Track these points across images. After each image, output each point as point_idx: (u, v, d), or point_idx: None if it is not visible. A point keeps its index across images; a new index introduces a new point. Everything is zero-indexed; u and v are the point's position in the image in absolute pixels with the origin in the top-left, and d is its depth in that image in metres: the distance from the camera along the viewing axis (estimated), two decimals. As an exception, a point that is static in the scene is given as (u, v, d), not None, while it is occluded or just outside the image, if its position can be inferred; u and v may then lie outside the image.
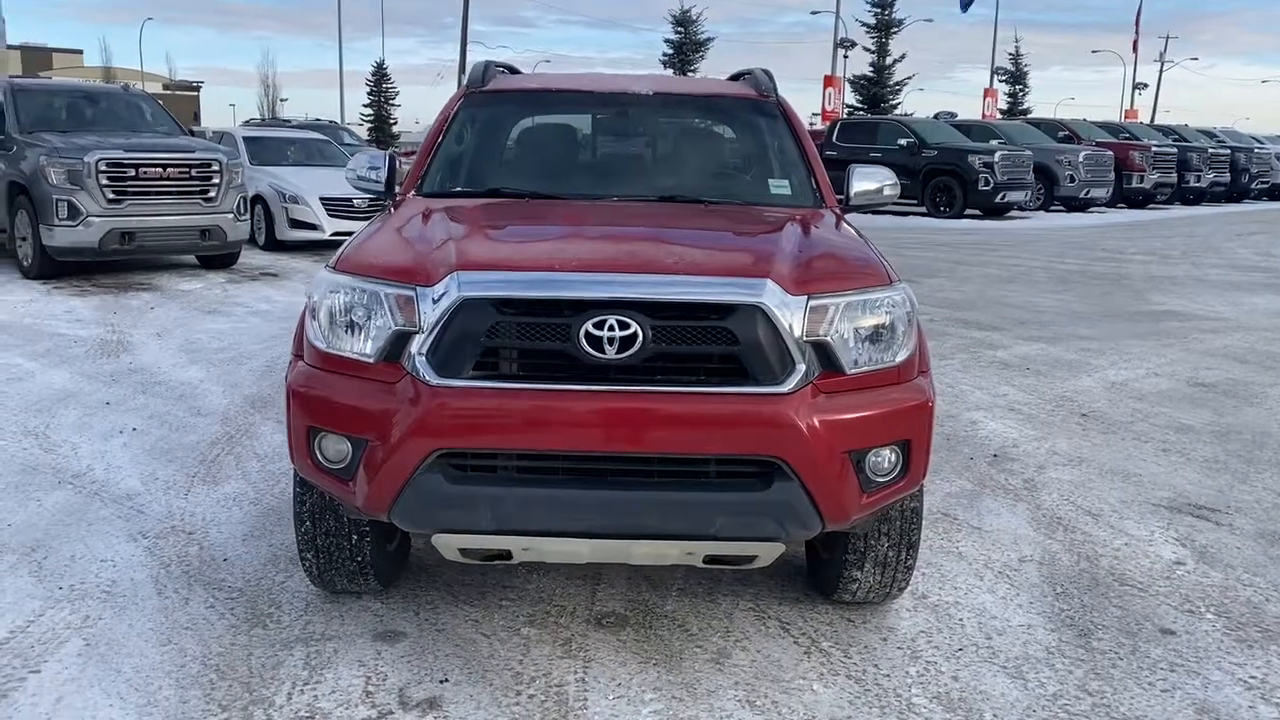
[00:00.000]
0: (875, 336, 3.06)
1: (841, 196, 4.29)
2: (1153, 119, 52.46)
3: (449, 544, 3.05)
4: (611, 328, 2.82)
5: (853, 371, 2.99)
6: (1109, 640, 3.47)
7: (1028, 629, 3.53)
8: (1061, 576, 3.97)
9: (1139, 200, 26.96)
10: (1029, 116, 43.46)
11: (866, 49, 48.96)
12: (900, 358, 3.09)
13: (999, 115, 46.67)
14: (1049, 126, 28.21)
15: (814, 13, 48.05)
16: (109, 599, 3.59)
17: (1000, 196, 21.79)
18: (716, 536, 2.94)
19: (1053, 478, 5.13)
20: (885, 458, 3.06)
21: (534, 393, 2.85)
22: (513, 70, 5.37)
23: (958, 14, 45.64)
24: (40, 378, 6.68)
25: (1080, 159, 24.26)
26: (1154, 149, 27.05)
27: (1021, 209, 23.27)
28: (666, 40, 48.34)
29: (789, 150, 4.39)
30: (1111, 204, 25.78)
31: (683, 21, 47.88)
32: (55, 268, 10.64)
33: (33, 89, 11.91)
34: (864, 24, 49.09)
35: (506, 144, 4.56)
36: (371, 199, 13.19)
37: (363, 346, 3.00)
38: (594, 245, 3.37)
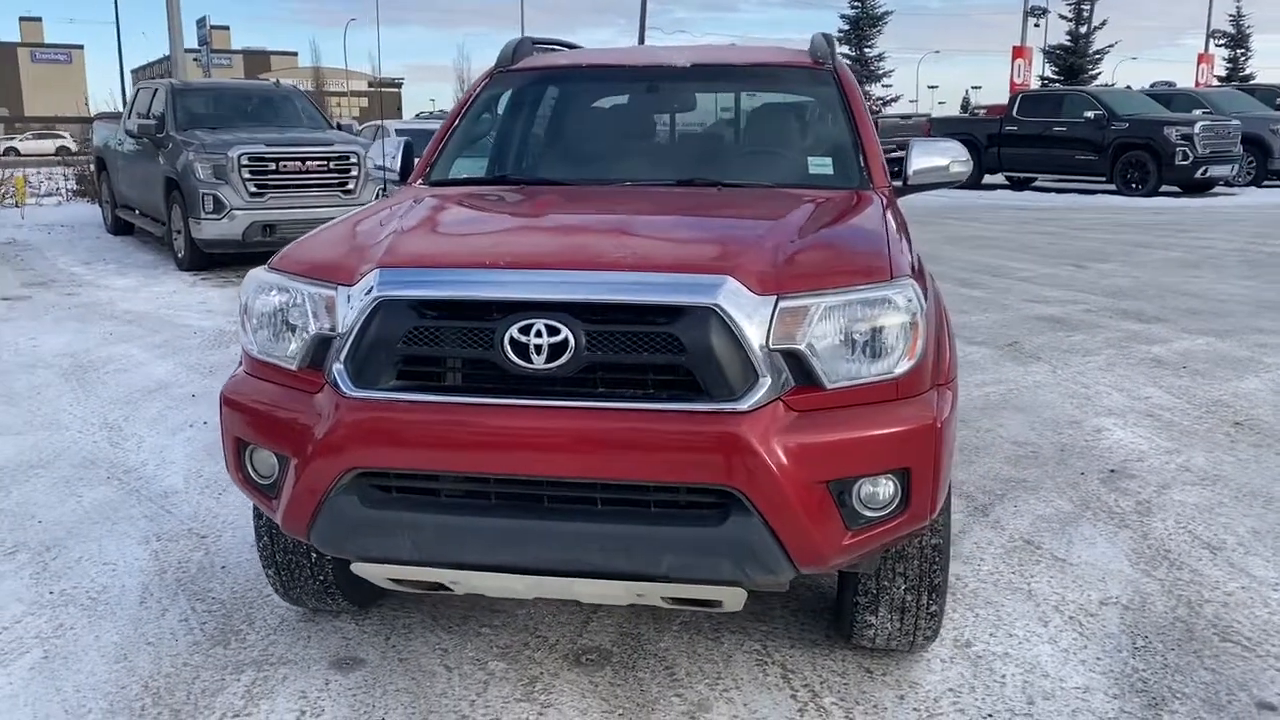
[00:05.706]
0: (868, 344, 2.55)
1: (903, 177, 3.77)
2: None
3: (375, 572, 2.75)
4: (539, 333, 2.45)
5: (833, 386, 2.50)
6: (1184, 714, 2.82)
7: (1083, 693, 2.93)
8: (1148, 626, 3.31)
9: (1376, 172, 24.02)
10: (1249, 83, 39.65)
11: (1063, 16, 45.92)
12: (900, 369, 2.57)
13: (1215, 82, 42.85)
14: (1266, 93, 25.53)
15: (1009, -19, 45.23)
16: (91, 606, 3.48)
17: (1201, 171, 19.79)
18: (666, 577, 2.52)
19: (1174, 500, 4.38)
20: (882, 488, 2.55)
21: (455, 406, 2.51)
22: (570, 46, 5.02)
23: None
24: (146, 369, 6.84)
25: (1299, 128, 21.81)
26: (1394, 113, 24.02)
27: (1228, 185, 21.09)
28: (842, 15, 46.70)
29: (839, 124, 3.85)
30: (1339, 177, 23.10)
31: (858, -4, 46.12)
32: (204, 259, 11.07)
33: (191, 89, 12.48)
34: (1060, -10, 45.94)
35: (525, 128, 4.19)
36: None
37: (287, 352, 2.74)
38: (539, 238, 2.98)
